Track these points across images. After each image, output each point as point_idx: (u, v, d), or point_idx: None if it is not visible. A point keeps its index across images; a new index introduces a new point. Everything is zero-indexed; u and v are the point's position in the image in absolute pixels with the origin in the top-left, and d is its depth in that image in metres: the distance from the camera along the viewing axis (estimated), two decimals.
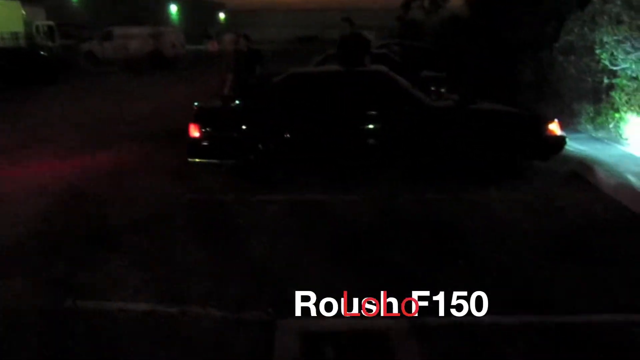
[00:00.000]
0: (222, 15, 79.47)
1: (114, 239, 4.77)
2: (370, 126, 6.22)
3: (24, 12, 27.66)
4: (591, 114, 8.32)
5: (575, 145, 7.37)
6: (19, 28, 26.68)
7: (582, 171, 6.52)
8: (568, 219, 5.08)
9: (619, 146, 7.46)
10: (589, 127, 8.35)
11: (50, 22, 29.23)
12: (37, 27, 27.92)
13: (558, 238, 4.62)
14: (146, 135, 9.19)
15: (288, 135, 6.17)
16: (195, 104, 6.52)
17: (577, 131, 8.32)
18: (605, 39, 7.79)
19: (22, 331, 3.37)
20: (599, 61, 8.04)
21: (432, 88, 7.36)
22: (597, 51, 8.01)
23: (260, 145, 6.21)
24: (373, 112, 6.20)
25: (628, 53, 7.44)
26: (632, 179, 5.82)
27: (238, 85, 7.98)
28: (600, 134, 8.05)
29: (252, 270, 4.12)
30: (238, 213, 5.36)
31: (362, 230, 4.89)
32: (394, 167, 6.39)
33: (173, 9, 66.18)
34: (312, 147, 6.29)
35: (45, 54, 20.93)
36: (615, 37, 7.59)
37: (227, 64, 8.48)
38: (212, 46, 43.11)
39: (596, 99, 8.26)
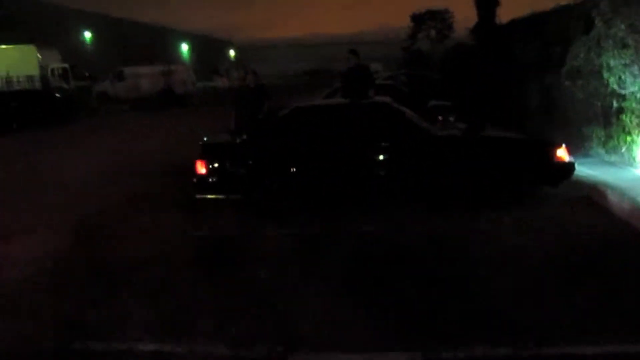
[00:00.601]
0: (231, 52, 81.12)
1: (122, 276, 4.73)
2: (376, 158, 6.21)
3: (39, 56, 28.41)
4: (602, 138, 8.25)
5: (587, 170, 7.28)
6: (35, 71, 27.35)
7: (596, 196, 6.41)
8: (581, 245, 4.97)
9: (632, 169, 7.35)
10: (601, 151, 8.26)
11: (65, 65, 29.95)
12: (52, 69, 28.60)
13: (571, 264, 4.51)
14: (154, 171, 9.25)
15: (294, 170, 6.18)
16: (204, 139, 6.57)
17: (588, 155, 8.24)
18: (612, 63, 7.77)
19: None
20: (607, 85, 8.01)
21: (440, 117, 7.37)
22: (605, 75, 7.98)
23: (265, 180, 6.22)
24: (378, 144, 6.20)
25: (636, 76, 7.40)
26: None
27: (246, 120, 8.03)
28: (612, 158, 7.95)
29: (260, 306, 4.05)
30: (245, 248, 5.32)
31: (373, 264, 4.80)
32: (402, 198, 6.35)
33: (184, 47, 67.70)
34: (318, 180, 6.28)
35: (60, 95, 21.37)
36: (621, 61, 7.57)
37: (233, 100, 8.56)
38: (222, 82, 43.85)
39: (606, 122, 8.19)
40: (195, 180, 6.30)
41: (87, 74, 31.44)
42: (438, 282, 4.29)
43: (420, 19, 46.09)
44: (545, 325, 3.53)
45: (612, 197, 6.11)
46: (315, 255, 5.05)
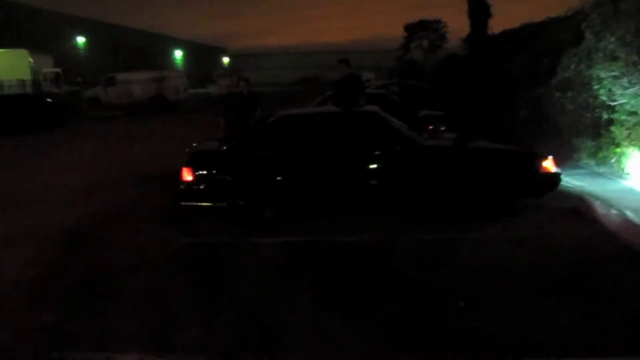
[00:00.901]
0: (226, 60, 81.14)
1: (106, 285, 4.66)
2: (362, 167, 6.17)
3: (31, 60, 28.27)
4: (592, 149, 8.27)
5: (576, 181, 7.29)
6: (27, 76, 27.20)
7: (584, 207, 6.41)
8: (568, 256, 4.93)
9: (621, 181, 7.36)
10: (591, 162, 8.28)
11: (57, 69, 29.82)
12: (44, 74, 28.46)
13: (558, 275, 4.48)
14: (142, 177, 9.16)
15: (279, 178, 6.14)
16: (191, 146, 6.51)
17: (578, 167, 8.25)
18: (601, 75, 7.80)
19: None
20: (596, 97, 8.05)
21: (430, 127, 7.35)
22: (595, 87, 8.02)
23: (251, 188, 6.17)
24: (364, 153, 6.17)
25: (625, 88, 7.43)
26: (633, 215, 5.70)
27: (236, 128, 7.99)
28: (602, 169, 7.97)
29: (244, 315, 3.99)
30: (231, 256, 5.26)
31: (355, 274, 4.75)
32: (388, 207, 6.32)
33: (178, 54, 67.66)
34: (303, 188, 6.25)
35: (50, 100, 21.23)
36: (612, 73, 7.61)
37: (223, 107, 8.52)
38: (214, 89, 43.79)
39: (596, 134, 8.22)
40: (181, 187, 6.23)
41: (78, 79, 31.31)
42: (420, 294, 4.24)
43: (413, 29, 46.39)
44: (525, 339, 3.49)
45: (600, 209, 6.11)
46: (299, 264, 5.00)
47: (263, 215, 6.20)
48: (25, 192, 8.68)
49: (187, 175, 6.17)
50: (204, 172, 6.22)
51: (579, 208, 6.42)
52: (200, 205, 6.31)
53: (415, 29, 46.39)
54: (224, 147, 6.56)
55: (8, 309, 4.29)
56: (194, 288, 4.54)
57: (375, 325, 3.75)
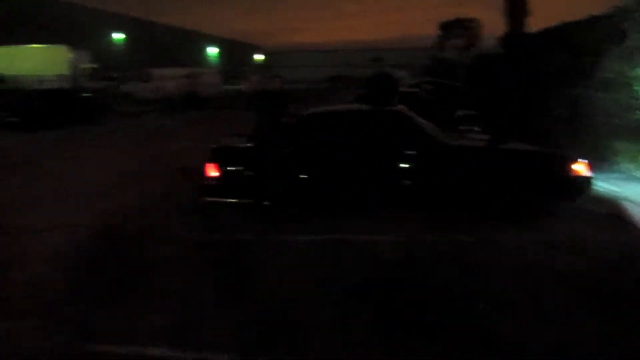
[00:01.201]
0: (259, 57, 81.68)
1: (132, 279, 4.70)
2: (386, 165, 6.09)
3: (70, 56, 29.03)
4: (633, 153, 7.96)
5: (612, 186, 7.03)
6: (65, 71, 27.97)
7: (622, 212, 6.17)
8: (602, 262, 4.75)
9: None
10: (630, 166, 7.98)
11: (94, 65, 30.52)
12: (82, 69, 29.17)
13: (593, 281, 4.31)
14: (170, 172, 9.27)
15: (304, 175, 6.12)
16: (216, 142, 6.52)
17: (617, 170, 7.96)
18: None
19: None
20: (638, 98, 7.74)
21: (461, 127, 7.19)
22: (637, 88, 7.72)
23: (276, 185, 6.15)
24: (389, 152, 6.09)
25: None
26: None
27: (266, 125, 7.97)
28: None
29: (269, 313, 3.95)
30: (257, 253, 5.24)
31: (388, 273, 4.67)
32: (413, 206, 6.21)
33: (212, 51, 68.46)
34: (327, 186, 6.21)
35: (87, 95, 21.71)
36: None
37: (254, 104, 8.52)
38: (246, 86, 44.11)
39: (638, 137, 7.91)
40: (205, 183, 6.26)
41: (114, 75, 31.97)
42: (445, 297, 4.14)
43: (448, 27, 45.76)
44: (556, 349, 3.36)
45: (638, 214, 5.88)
46: (325, 262, 4.94)
47: (288, 212, 6.17)
48: (56, 186, 8.86)
49: (212, 171, 6.19)
50: (229, 168, 6.23)
51: (616, 213, 6.19)
52: (224, 201, 6.31)
53: (451, 27, 45.74)
54: (250, 144, 6.57)
55: (39, 301, 4.35)
56: (219, 284, 4.53)
57: (407, 327, 3.67)
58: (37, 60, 28.09)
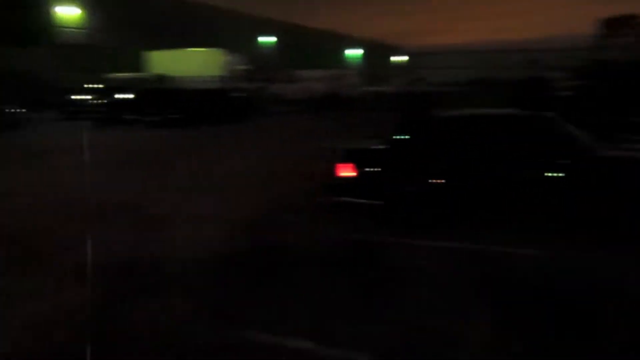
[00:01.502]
0: (400, 58, 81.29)
1: (276, 271, 4.92)
2: (530, 174, 5.66)
3: (225, 58, 31.45)
4: None
5: None
6: (220, 72, 30.37)
7: None
8: None
9: None
10: None
11: (247, 67, 32.73)
12: (236, 71, 31.45)
13: None
14: (308, 172, 9.39)
15: (442, 180, 5.91)
16: (345, 143, 6.56)
17: None
18: None
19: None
20: None
21: (620, 136, 6.46)
22: None
23: (412, 188, 6.02)
24: (536, 161, 5.65)
25: None
26: None
27: (407, 126, 7.88)
28: None
29: (410, 320, 3.89)
30: (398, 257, 5.19)
31: (539, 292, 4.33)
32: (557, 219, 5.70)
33: (354, 52, 69.63)
34: (465, 192, 5.91)
35: (243, 95, 23.33)
36: None
37: (395, 105, 8.47)
38: (386, 88, 44.15)
39: None
40: (334, 183, 6.31)
41: (263, 77, 33.96)
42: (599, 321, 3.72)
43: (613, 25, 41.47)
44: None
45: None
46: (461, 272, 4.74)
47: (421, 216, 6.03)
48: (206, 178, 9.61)
49: (348, 172, 6.21)
50: (367, 169, 6.23)
51: None
52: (355, 202, 6.29)
53: (617, 25, 41.40)
54: (388, 145, 6.47)
55: (185, 288, 4.69)
56: (355, 284, 4.57)
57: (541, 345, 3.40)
58: (196, 63, 30.84)
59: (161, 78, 29.02)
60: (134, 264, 5.15)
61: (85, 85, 27.55)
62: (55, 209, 7.36)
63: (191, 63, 31.06)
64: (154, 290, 4.52)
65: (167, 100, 21.01)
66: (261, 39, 51.11)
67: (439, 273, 4.76)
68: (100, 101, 24.03)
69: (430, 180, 6.00)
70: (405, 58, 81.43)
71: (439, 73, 60.54)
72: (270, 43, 52.22)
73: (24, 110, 22.93)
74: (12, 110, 21.92)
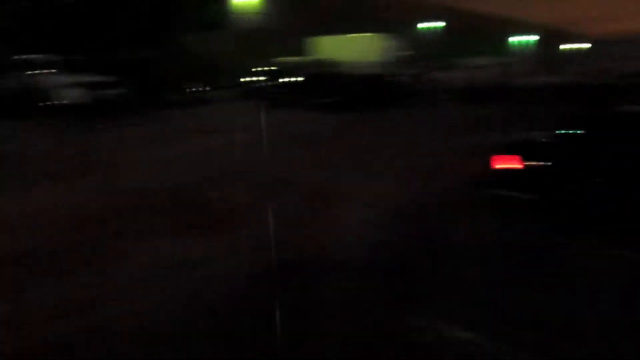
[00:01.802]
0: (581, 46, 73.94)
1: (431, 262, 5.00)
2: None
3: (388, 43, 31.47)
4: None
5: None
6: (383, 57, 30.47)
7: None
8: None
9: None
10: None
11: (408, 52, 32.41)
12: (397, 56, 31.36)
13: None
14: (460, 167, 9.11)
15: (605, 180, 5.28)
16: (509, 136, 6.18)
17: None
18: None
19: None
20: None
21: None
22: None
23: (577, 186, 5.43)
24: None
25: None
26: None
27: (582, 118, 7.12)
28: None
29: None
30: (561, 259, 4.88)
31: None
32: None
33: (527, 39, 65.03)
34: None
35: (403, 80, 23.23)
36: None
37: (570, 96, 7.70)
38: (555, 77, 40.45)
39: None
40: (492, 176, 6.04)
41: (424, 63, 33.31)
42: None
43: None
44: None
45: None
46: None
47: (596, 217, 5.36)
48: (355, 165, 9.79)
49: (513, 164, 5.87)
50: (534, 162, 5.83)
51: None
52: (515, 197, 5.89)
53: None
54: (550, 138, 5.96)
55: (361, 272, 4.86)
56: (516, 281, 4.41)
57: None
58: (359, 48, 31.24)
59: (327, 63, 29.96)
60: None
61: (256, 69, 29.57)
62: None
63: (355, 48, 31.58)
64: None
65: (331, 84, 21.69)
66: (427, 25, 50.09)
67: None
68: (269, 83, 25.64)
69: (596, 179, 5.38)
70: (583, 45, 73.94)
71: (623, 63, 53.92)
72: (437, 28, 50.95)
73: (207, 88, 25.61)
74: (195, 89, 24.53)
